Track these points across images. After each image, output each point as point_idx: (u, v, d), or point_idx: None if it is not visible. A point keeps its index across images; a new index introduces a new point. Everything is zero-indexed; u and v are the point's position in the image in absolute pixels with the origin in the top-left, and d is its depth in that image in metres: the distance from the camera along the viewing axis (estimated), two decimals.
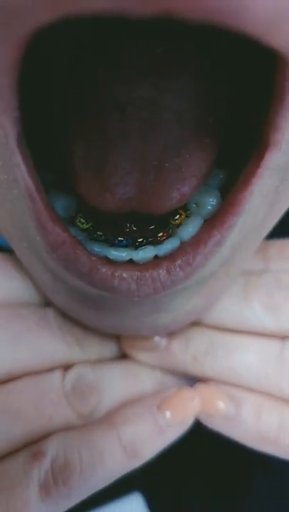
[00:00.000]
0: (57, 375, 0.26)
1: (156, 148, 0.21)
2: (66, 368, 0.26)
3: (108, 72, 0.21)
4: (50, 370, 0.26)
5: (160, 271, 0.21)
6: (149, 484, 0.31)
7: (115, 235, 0.22)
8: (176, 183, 0.22)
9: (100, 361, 0.27)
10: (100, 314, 0.24)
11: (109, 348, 0.28)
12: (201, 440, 0.27)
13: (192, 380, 0.28)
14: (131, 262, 0.22)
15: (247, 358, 0.27)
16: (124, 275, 0.21)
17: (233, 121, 0.23)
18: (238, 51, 0.20)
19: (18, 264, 0.26)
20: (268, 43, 0.14)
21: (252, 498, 0.33)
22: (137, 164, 0.22)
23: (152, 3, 0.12)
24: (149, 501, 0.32)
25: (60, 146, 0.22)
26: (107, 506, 0.30)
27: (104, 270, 0.21)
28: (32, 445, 0.24)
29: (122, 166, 0.22)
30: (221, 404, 0.27)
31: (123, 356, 0.28)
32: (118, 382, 0.27)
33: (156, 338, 0.27)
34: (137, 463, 0.25)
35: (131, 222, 0.24)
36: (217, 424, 0.27)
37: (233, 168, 0.23)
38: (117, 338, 0.28)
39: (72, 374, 0.26)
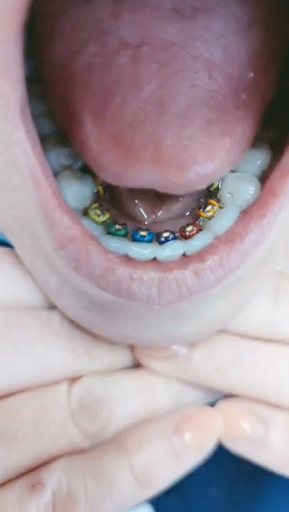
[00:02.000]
0: (62, 389, 0.24)
1: (178, 96, 0.19)
2: (73, 380, 0.25)
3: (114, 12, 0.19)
4: (54, 383, 0.25)
5: (187, 273, 0.19)
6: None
7: (136, 230, 0.21)
8: (205, 142, 0.19)
9: (111, 372, 0.26)
10: (111, 322, 0.23)
11: (121, 357, 0.26)
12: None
13: (214, 395, 0.27)
14: (153, 260, 0.20)
15: (277, 370, 0.25)
16: (145, 277, 0.19)
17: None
18: None
19: (19, 260, 0.25)
20: None
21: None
22: (153, 113, 0.19)
23: None
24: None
25: (60, 98, 0.20)
26: None
27: (121, 271, 0.19)
28: (31, 473, 0.23)
29: (132, 111, 0.19)
30: (246, 425, 0.25)
31: (136, 366, 0.27)
32: (130, 397, 0.25)
33: (175, 346, 0.26)
34: (150, 493, 0.24)
35: (153, 212, 0.22)
36: (242, 448, 0.26)
37: (274, 152, 0.21)
38: (131, 345, 0.27)
39: (79, 387, 0.25)
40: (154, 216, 0.22)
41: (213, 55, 0.20)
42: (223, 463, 0.30)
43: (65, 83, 0.20)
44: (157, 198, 0.22)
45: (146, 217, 0.22)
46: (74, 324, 0.25)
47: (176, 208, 0.22)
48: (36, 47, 0.17)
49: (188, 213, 0.23)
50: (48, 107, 0.21)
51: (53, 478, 0.22)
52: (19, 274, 0.25)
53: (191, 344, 0.26)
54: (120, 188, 0.22)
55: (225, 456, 0.26)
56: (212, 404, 0.26)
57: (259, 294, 0.25)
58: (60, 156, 0.21)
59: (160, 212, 0.22)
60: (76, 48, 0.20)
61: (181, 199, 0.22)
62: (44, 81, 0.20)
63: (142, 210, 0.22)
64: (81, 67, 0.20)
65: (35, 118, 0.18)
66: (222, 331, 0.26)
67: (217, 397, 0.27)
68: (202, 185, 0.20)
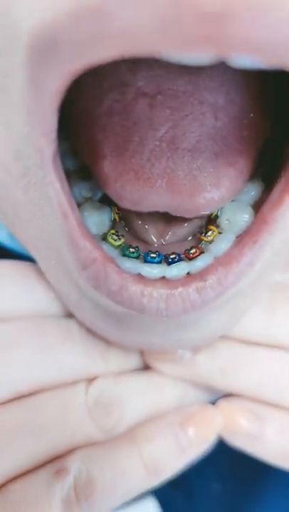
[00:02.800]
0: (80, 388, 0.26)
1: (188, 134, 0.21)
2: (89, 381, 0.26)
3: (132, 68, 0.20)
4: (73, 383, 0.26)
5: (190, 290, 0.20)
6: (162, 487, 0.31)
7: (147, 252, 0.22)
8: (213, 171, 0.21)
9: (123, 374, 0.27)
10: (124, 331, 0.24)
11: (132, 360, 0.27)
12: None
13: (215, 394, 0.28)
14: (162, 278, 0.21)
15: (272, 372, 0.26)
16: (154, 294, 0.20)
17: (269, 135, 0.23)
18: None
19: (41, 274, 0.26)
20: None
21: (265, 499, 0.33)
22: (167, 149, 0.21)
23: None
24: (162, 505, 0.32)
25: (81, 137, 0.22)
26: (119, 511, 0.29)
27: (133, 289, 0.20)
28: (55, 461, 0.24)
29: (149, 148, 0.21)
30: (244, 422, 0.26)
31: (146, 368, 0.28)
32: (140, 396, 0.27)
33: (181, 350, 0.27)
34: (158, 480, 0.25)
35: (161, 236, 0.23)
36: (239, 442, 0.27)
37: (266, 184, 0.22)
38: (140, 350, 0.28)
39: (95, 388, 0.26)
40: (162, 240, 0.24)
41: (217, 100, 0.21)
42: (225, 460, 0.31)
43: (90, 126, 0.21)
44: (165, 224, 0.24)
45: (155, 240, 0.24)
46: (90, 331, 0.26)
47: (181, 232, 0.24)
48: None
49: (190, 238, 0.24)
50: (72, 146, 0.23)
51: (75, 465, 0.23)
52: (41, 286, 0.26)
53: (195, 349, 0.27)
54: (133, 217, 0.24)
55: (226, 453, 0.27)
56: (213, 403, 0.27)
57: (257, 305, 0.26)
58: (82, 190, 0.23)
59: (168, 236, 0.24)
60: (99, 95, 0.21)
61: (185, 225, 0.24)
62: (69, 124, 0.22)
63: (152, 236, 0.24)
64: (104, 112, 0.21)
65: (61, 156, 0.20)
66: (223, 337, 0.27)
67: (218, 397, 0.28)
68: (209, 210, 0.22)
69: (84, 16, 0.13)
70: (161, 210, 0.22)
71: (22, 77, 0.16)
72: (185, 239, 0.24)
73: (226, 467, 0.33)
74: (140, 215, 0.24)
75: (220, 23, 0.12)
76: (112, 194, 0.22)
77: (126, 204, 0.21)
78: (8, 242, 0.32)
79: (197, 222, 0.24)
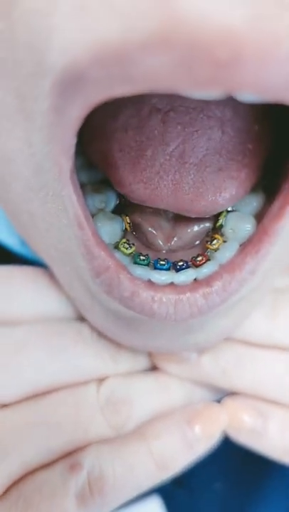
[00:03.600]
0: (92, 388, 0.27)
1: (196, 149, 0.22)
2: (100, 380, 0.27)
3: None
4: (85, 383, 0.27)
5: (197, 295, 0.21)
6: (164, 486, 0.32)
7: (157, 260, 0.23)
8: (215, 183, 0.22)
9: (132, 374, 0.28)
10: (134, 334, 0.25)
11: (141, 361, 0.28)
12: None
13: (220, 393, 0.29)
14: (171, 284, 0.22)
15: (274, 372, 0.27)
16: (164, 299, 0.21)
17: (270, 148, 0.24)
18: None
19: (53, 279, 0.27)
20: None
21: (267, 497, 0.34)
22: (176, 163, 0.22)
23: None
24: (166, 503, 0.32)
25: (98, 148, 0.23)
26: (125, 509, 0.30)
27: (144, 295, 0.21)
28: (69, 457, 0.25)
29: (160, 162, 0.22)
30: (248, 418, 0.27)
31: (154, 368, 0.29)
32: (149, 394, 0.27)
33: (187, 352, 0.28)
34: (166, 475, 0.26)
35: (168, 241, 0.25)
36: (244, 438, 0.27)
37: (268, 196, 0.23)
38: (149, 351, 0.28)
39: (106, 387, 0.27)
40: (169, 244, 0.25)
41: (224, 113, 0.22)
42: (227, 459, 0.32)
43: (105, 140, 0.22)
44: (171, 230, 0.25)
45: (163, 245, 0.25)
46: (101, 334, 0.27)
47: (186, 237, 0.25)
48: None
49: (197, 242, 0.25)
50: (87, 160, 0.24)
51: (88, 460, 0.24)
52: (54, 291, 0.27)
53: (201, 350, 0.27)
54: (143, 227, 0.25)
55: (228, 452, 0.28)
56: (219, 401, 0.28)
57: (259, 308, 0.27)
58: (95, 201, 0.24)
59: (173, 241, 0.25)
60: (114, 111, 0.22)
61: (189, 230, 0.25)
62: (84, 137, 0.22)
63: (159, 241, 0.25)
64: (119, 127, 0.22)
65: (77, 170, 0.21)
66: (227, 339, 0.28)
67: (223, 395, 0.28)
68: (208, 214, 0.23)
69: (107, 60, 0.14)
70: (166, 208, 0.23)
71: (46, 104, 0.17)
72: (190, 245, 0.25)
73: (229, 467, 0.34)
74: (149, 221, 0.25)
75: (228, 68, 0.13)
76: (125, 195, 0.23)
77: (136, 201, 0.23)
78: (18, 248, 0.33)
79: (201, 229, 0.25)
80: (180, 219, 0.25)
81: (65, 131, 0.17)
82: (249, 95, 0.15)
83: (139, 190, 0.22)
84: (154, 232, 0.25)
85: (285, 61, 0.13)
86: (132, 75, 0.14)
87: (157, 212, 0.25)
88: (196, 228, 0.25)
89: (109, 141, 0.22)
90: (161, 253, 0.25)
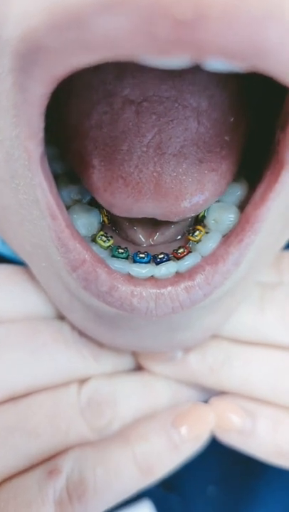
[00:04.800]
0: (73, 389, 0.26)
1: (173, 139, 0.22)
2: (82, 381, 0.26)
3: (118, 75, 0.21)
4: (66, 384, 0.26)
5: (179, 289, 0.21)
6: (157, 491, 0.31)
7: (136, 253, 0.22)
8: (197, 177, 0.22)
9: (115, 374, 0.27)
10: (115, 333, 0.24)
11: (124, 360, 0.28)
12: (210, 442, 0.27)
13: (207, 393, 0.28)
14: (151, 278, 0.22)
15: (263, 370, 0.27)
16: (144, 294, 0.21)
17: (250, 138, 0.23)
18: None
19: (33, 277, 0.26)
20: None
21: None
22: (154, 154, 0.22)
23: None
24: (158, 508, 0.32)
25: (71, 145, 0.22)
26: None
27: (123, 289, 0.21)
28: (48, 462, 0.24)
29: (138, 154, 0.21)
30: (236, 419, 0.26)
31: (138, 368, 0.28)
32: (133, 395, 0.27)
33: (172, 350, 0.27)
34: (151, 479, 0.25)
35: (150, 236, 0.24)
36: (232, 439, 0.27)
37: (251, 185, 0.23)
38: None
39: (87, 388, 0.26)
40: (150, 240, 0.24)
41: (200, 104, 0.21)
42: (219, 462, 0.31)
43: (79, 138, 0.22)
44: (153, 225, 0.24)
45: (144, 241, 0.24)
46: (82, 333, 0.26)
47: (168, 233, 0.24)
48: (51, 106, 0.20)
49: (179, 237, 0.24)
50: (61, 153, 0.23)
51: (67, 465, 0.23)
52: (33, 289, 0.27)
53: (187, 348, 0.27)
54: (122, 219, 0.24)
55: (221, 455, 0.28)
56: (206, 401, 0.27)
57: (246, 304, 0.27)
58: (71, 193, 0.23)
59: (156, 236, 0.24)
60: (88, 109, 0.21)
61: (172, 226, 0.24)
62: (59, 132, 0.22)
63: (140, 236, 0.24)
64: (93, 125, 0.21)
65: (50, 160, 0.20)
66: (214, 336, 0.27)
67: (210, 395, 0.28)
68: (194, 213, 0.22)
69: (64, 24, 0.13)
70: (149, 216, 0.22)
71: (8, 82, 0.16)
72: (173, 239, 0.24)
73: (221, 469, 0.33)
74: (128, 218, 0.24)
75: (192, 29, 0.13)
76: (102, 203, 0.22)
77: (116, 211, 0.22)
78: None
79: (184, 223, 0.24)
80: None
81: (30, 111, 0.16)
82: (217, 62, 0.14)
83: (118, 189, 0.22)
84: (134, 228, 0.24)
85: (253, 21, 0.13)
86: (90, 40, 0.13)
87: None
88: (178, 224, 0.24)
89: (84, 140, 0.22)
90: (142, 247, 0.24)
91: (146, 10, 0.12)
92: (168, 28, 0.13)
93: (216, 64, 0.14)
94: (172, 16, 0.12)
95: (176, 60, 0.14)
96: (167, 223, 0.24)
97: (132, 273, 0.22)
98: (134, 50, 0.14)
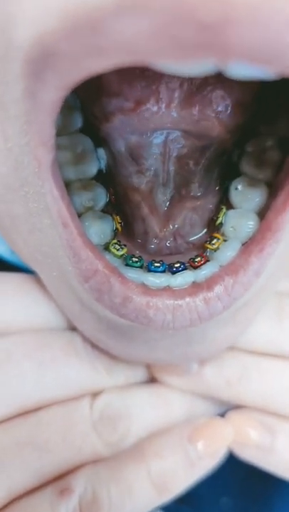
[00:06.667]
0: (85, 403, 0.25)
1: None
2: (94, 394, 0.26)
3: None
4: (78, 397, 0.25)
5: (197, 300, 0.20)
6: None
7: (151, 262, 0.22)
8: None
9: (129, 387, 0.27)
10: (128, 345, 0.24)
11: (138, 373, 0.27)
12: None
13: (224, 406, 0.28)
14: (167, 289, 0.21)
15: (282, 383, 0.26)
16: (160, 305, 0.20)
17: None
18: None
19: (43, 286, 0.26)
20: None
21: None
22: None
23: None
24: None
25: None
26: None
27: (138, 300, 0.20)
28: (60, 480, 0.24)
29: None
30: (254, 434, 0.26)
31: (152, 380, 0.27)
32: (147, 408, 0.26)
33: (188, 363, 0.27)
34: (166, 497, 0.24)
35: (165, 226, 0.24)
36: (250, 455, 0.26)
37: (271, 191, 0.22)
38: None
39: (100, 401, 0.25)
40: (165, 230, 0.24)
41: None
42: (234, 473, 0.30)
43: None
44: (168, 211, 0.24)
45: (158, 232, 0.24)
46: (94, 344, 0.25)
47: (182, 221, 0.24)
48: None
49: (198, 232, 0.24)
50: (74, 153, 0.23)
51: (80, 484, 0.23)
52: (44, 298, 0.26)
53: (203, 360, 0.26)
54: (136, 213, 0.23)
55: (235, 466, 0.27)
56: (222, 415, 0.27)
57: (263, 313, 0.26)
58: (83, 199, 0.22)
59: (170, 225, 0.24)
60: None
61: (186, 212, 0.24)
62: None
63: (155, 227, 0.24)
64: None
65: (62, 165, 0.20)
66: (230, 348, 0.27)
67: (226, 409, 0.27)
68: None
69: (81, 30, 0.13)
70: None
71: (19, 89, 0.16)
72: (189, 230, 0.24)
73: (235, 481, 0.32)
74: (140, 215, 0.24)
75: (218, 31, 0.12)
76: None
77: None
78: (8, 256, 0.31)
79: (198, 207, 0.24)
80: (176, 200, 0.24)
81: (41, 118, 0.16)
82: (243, 67, 0.13)
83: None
84: (150, 215, 0.24)
85: (279, 24, 0.12)
86: (107, 45, 0.13)
87: (151, 195, 0.24)
88: (196, 204, 0.24)
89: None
90: (156, 256, 0.24)
91: (169, 12, 0.12)
92: (192, 32, 0.12)
93: (241, 69, 0.14)
94: (197, 19, 0.12)
95: (199, 66, 0.13)
96: (180, 208, 0.24)
97: (146, 282, 0.21)
98: (154, 55, 0.13)
